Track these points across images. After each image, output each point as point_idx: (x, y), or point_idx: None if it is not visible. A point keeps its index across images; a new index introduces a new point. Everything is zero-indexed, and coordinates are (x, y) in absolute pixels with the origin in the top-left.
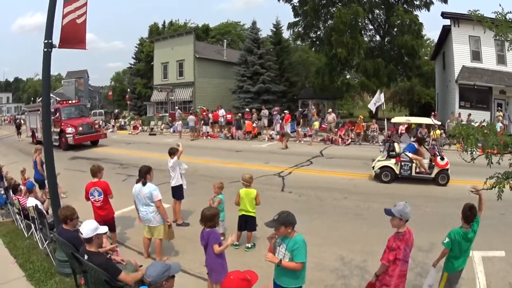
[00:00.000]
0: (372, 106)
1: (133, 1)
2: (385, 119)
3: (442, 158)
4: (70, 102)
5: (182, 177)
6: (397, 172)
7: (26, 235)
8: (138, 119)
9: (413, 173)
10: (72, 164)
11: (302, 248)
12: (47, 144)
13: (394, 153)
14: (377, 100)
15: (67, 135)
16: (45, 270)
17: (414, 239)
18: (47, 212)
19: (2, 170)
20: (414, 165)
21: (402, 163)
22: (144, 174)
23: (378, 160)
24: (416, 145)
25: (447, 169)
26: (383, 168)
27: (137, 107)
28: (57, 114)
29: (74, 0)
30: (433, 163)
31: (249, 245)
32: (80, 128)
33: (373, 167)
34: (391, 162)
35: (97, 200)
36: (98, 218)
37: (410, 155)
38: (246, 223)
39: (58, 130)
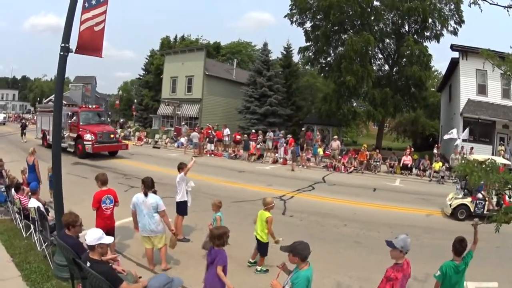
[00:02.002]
0: (446, 136)
1: (147, 13)
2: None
3: (510, 196)
4: (90, 106)
5: (188, 193)
6: (472, 210)
7: (24, 235)
8: (143, 130)
9: (485, 211)
10: (74, 170)
11: (301, 284)
12: (55, 148)
13: (467, 191)
14: (452, 134)
15: (85, 142)
16: (42, 272)
17: (411, 268)
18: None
19: (4, 168)
20: (486, 203)
21: (477, 201)
22: (152, 185)
23: (455, 198)
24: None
25: None
26: (459, 206)
27: (142, 119)
28: (74, 118)
29: (93, 7)
30: (502, 201)
31: (259, 268)
32: (100, 136)
33: (450, 205)
34: (468, 200)
35: (108, 208)
36: (102, 226)
37: (483, 192)
38: (258, 245)
39: (75, 135)
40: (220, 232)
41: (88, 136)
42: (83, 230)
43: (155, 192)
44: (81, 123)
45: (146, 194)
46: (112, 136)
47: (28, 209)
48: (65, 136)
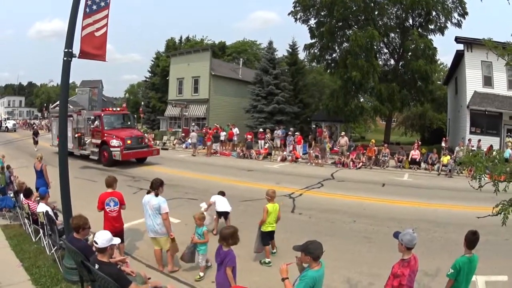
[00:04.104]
0: None
1: (151, 15)
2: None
3: None
4: (114, 109)
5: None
6: None
7: (34, 240)
8: (151, 133)
9: None
10: (83, 173)
11: (305, 282)
12: (62, 153)
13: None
14: None
15: (112, 149)
16: (51, 275)
17: (421, 263)
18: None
19: (13, 174)
20: None
21: None
22: (157, 186)
23: None
24: None
25: None
26: None
27: (150, 121)
28: (97, 122)
29: (93, 12)
30: None
31: (274, 251)
32: (129, 141)
33: None
34: None
35: (112, 210)
36: (110, 229)
37: None
38: (271, 236)
39: (99, 141)
40: (229, 232)
41: (114, 142)
42: (91, 233)
43: (156, 194)
44: (105, 128)
45: (156, 195)
46: (141, 140)
47: (36, 214)
48: (86, 142)
